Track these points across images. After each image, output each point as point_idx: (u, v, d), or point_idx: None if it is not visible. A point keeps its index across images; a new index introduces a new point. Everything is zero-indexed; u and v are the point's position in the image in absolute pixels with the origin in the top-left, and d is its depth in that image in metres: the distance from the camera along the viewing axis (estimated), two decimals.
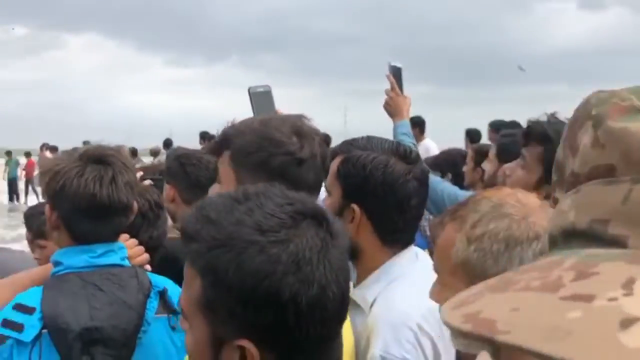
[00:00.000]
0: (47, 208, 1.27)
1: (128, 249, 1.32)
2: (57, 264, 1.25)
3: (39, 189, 17.61)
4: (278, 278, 0.62)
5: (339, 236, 0.68)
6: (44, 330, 1.15)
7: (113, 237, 1.29)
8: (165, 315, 1.30)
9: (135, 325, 1.21)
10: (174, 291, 1.34)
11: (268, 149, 1.05)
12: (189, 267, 0.67)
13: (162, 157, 10.41)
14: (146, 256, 1.39)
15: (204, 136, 10.04)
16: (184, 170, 1.94)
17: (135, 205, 1.32)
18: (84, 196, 1.21)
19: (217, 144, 1.09)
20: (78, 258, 1.24)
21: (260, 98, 1.43)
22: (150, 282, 1.29)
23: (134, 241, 1.37)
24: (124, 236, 1.34)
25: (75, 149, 1.28)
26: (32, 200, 17.14)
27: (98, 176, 1.22)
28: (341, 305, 0.68)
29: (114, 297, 1.21)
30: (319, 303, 0.64)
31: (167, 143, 11.79)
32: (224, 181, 1.11)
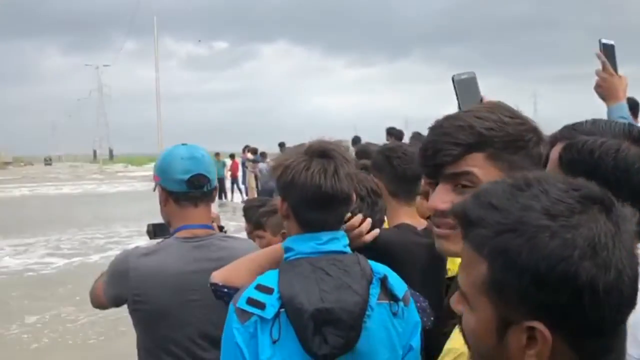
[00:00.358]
0: (278, 199, 1.40)
1: (355, 224, 1.40)
2: (288, 249, 1.37)
3: (242, 187, 19.41)
4: (574, 262, 0.63)
5: (627, 220, 0.67)
6: (282, 310, 1.26)
7: (336, 225, 1.38)
8: (387, 301, 1.35)
9: (361, 309, 1.27)
10: (394, 278, 1.39)
11: (534, 138, 1.01)
12: (471, 251, 0.69)
13: (351, 154, 10.75)
14: (376, 232, 1.48)
15: (390, 132, 10.17)
16: (390, 163, 1.99)
17: (354, 195, 1.40)
18: (310, 187, 1.31)
19: (466, 147, 0.96)
20: (306, 245, 1.35)
21: (465, 85, 1.40)
22: (372, 269, 1.35)
23: (359, 217, 1.46)
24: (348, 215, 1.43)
25: (301, 145, 1.40)
26: (237, 197, 18.95)
27: (322, 169, 1.32)
28: (634, 290, 0.66)
29: (341, 281, 1.29)
30: (616, 288, 0.64)
31: (356, 140, 12.13)
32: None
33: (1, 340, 5.86)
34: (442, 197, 0.96)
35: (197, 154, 1.94)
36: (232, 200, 19.02)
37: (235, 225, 9.64)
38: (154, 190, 2.01)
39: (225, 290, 1.43)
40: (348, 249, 1.39)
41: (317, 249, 1.34)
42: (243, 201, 17.74)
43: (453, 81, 1.39)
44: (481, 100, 1.34)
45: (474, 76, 1.40)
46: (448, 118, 1.01)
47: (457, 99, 1.39)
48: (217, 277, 1.47)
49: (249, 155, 18.36)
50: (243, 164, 19.13)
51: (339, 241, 1.37)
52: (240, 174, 19.67)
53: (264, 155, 17.89)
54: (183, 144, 1.98)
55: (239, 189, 19.72)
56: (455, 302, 0.73)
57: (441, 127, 0.99)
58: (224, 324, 1.81)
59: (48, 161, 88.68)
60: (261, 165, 16.99)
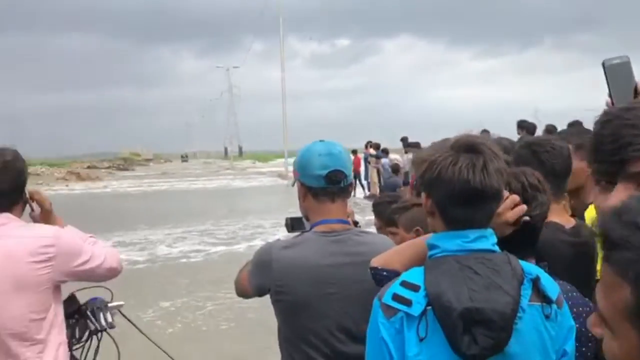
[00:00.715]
0: (423, 195, 1.37)
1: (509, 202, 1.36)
2: (433, 247, 1.34)
3: (365, 182, 19.52)
4: None
5: None
6: (429, 307, 1.24)
7: (485, 223, 1.33)
8: (539, 303, 1.28)
9: (512, 310, 1.22)
10: (546, 280, 1.32)
11: None
12: (612, 273, 0.64)
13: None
14: (523, 207, 1.41)
15: (522, 125, 9.65)
16: (538, 158, 1.88)
17: (504, 191, 1.34)
18: (458, 183, 1.27)
19: None
20: (452, 242, 1.31)
21: (617, 71, 1.27)
22: (523, 269, 1.29)
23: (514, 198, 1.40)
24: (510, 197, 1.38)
25: (446, 140, 1.36)
26: (359, 192, 19.08)
27: (470, 164, 1.28)
28: None
29: (490, 280, 1.24)
30: None
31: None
32: None
33: (139, 323, 6.39)
34: (623, 198, 0.88)
35: (334, 150, 1.97)
36: (354, 195, 19.22)
37: (358, 220, 9.77)
38: (293, 185, 2.07)
39: (385, 273, 1.44)
40: (497, 248, 1.33)
41: (464, 246, 1.30)
42: (365, 196, 17.85)
43: (604, 67, 1.27)
44: (635, 87, 1.22)
45: (627, 61, 1.27)
46: (629, 109, 0.89)
47: (608, 86, 1.26)
48: (377, 261, 1.49)
49: (372, 151, 18.40)
50: (365, 160, 19.23)
51: (487, 239, 1.32)
52: (362, 169, 19.79)
53: (386, 151, 17.85)
54: (320, 141, 2.02)
55: (361, 185, 19.84)
56: (592, 324, 0.68)
57: (622, 119, 0.88)
58: (361, 319, 1.84)
59: (184, 158, 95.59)
60: (384, 160, 16.96)
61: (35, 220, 2.19)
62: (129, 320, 2.55)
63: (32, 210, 2.20)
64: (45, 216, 2.21)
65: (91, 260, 2.13)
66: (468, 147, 1.30)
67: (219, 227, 14.16)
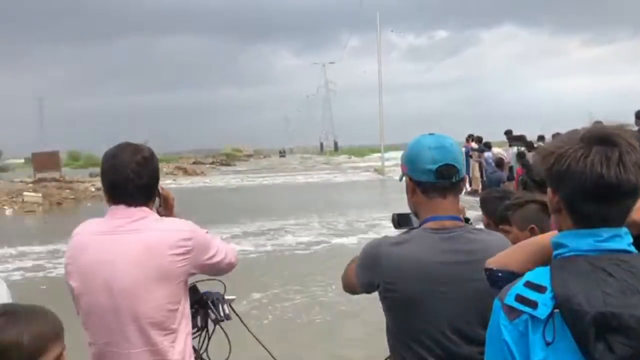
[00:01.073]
0: (549, 191, 1.28)
1: None
2: (560, 245, 1.25)
3: (466, 177, 18.94)
4: None
5: None
6: (556, 310, 1.16)
7: (620, 221, 1.22)
8: None
9: None
10: None
11: None
12: None
13: None
14: None
15: None
16: None
17: None
18: (590, 177, 1.18)
19: None
20: (583, 241, 1.21)
21: None
22: None
23: None
24: None
25: (574, 131, 1.26)
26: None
27: (604, 157, 1.17)
28: None
29: (626, 284, 1.14)
30: None
31: None
32: None
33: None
34: None
35: (445, 143, 1.90)
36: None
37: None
38: (400, 180, 2.02)
39: (500, 274, 1.37)
40: (633, 249, 1.22)
41: (596, 246, 1.20)
42: (467, 192, 17.33)
43: None
44: None
45: None
46: None
47: None
48: (493, 262, 1.42)
49: (474, 145, 17.84)
50: (467, 154, 18.68)
51: (622, 239, 1.21)
52: (463, 163, 19.25)
53: (488, 144, 17.22)
54: (430, 134, 1.95)
55: None
56: None
57: None
58: (474, 320, 1.77)
59: (282, 153, 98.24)
60: (487, 154, 16.39)
61: (160, 214, 2.26)
62: (237, 316, 2.61)
63: (160, 205, 2.28)
64: (168, 210, 2.29)
65: (217, 254, 2.19)
66: (601, 139, 1.20)
67: (332, 218, 14.51)
